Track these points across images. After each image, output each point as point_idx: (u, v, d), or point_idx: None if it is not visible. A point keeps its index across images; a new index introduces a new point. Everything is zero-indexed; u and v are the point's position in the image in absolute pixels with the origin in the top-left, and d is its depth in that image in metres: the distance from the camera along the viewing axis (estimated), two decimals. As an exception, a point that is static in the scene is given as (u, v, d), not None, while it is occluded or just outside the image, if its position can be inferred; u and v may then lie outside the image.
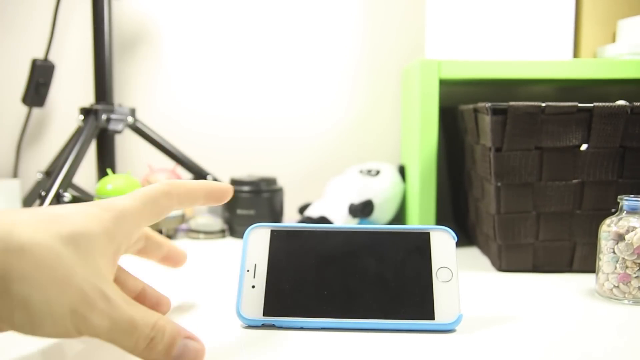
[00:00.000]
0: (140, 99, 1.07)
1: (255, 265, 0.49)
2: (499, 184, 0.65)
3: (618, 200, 0.58)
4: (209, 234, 0.86)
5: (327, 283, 0.48)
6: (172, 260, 0.51)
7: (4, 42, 1.07)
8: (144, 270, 0.67)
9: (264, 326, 0.48)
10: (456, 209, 0.94)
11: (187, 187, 0.44)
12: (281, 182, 1.07)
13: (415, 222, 0.80)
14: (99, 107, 0.88)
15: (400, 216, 0.95)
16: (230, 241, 0.85)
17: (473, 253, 0.78)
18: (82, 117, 0.89)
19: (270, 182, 0.88)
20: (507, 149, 0.64)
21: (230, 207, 0.87)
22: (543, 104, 0.62)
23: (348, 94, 1.05)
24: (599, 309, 0.54)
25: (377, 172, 0.89)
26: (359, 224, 0.86)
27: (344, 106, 1.05)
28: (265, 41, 1.04)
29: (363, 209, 0.83)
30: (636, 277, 0.54)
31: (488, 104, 0.63)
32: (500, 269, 0.68)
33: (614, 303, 0.55)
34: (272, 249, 0.50)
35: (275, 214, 0.88)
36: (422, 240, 0.50)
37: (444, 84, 0.91)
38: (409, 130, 0.87)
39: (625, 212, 0.56)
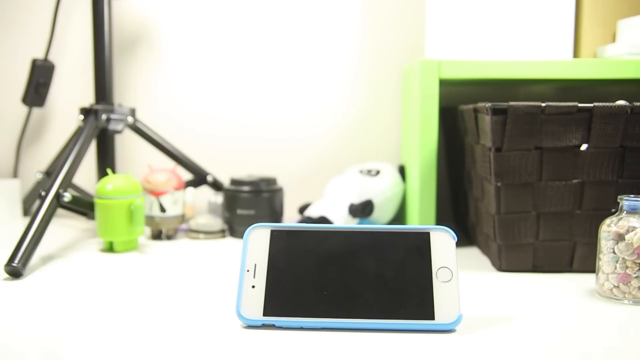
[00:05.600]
0: (140, 99, 1.07)
1: (255, 265, 0.49)
2: (499, 184, 0.65)
3: (618, 200, 0.58)
4: (209, 234, 0.86)
5: (327, 283, 0.48)
6: None
7: (4, 42, 1.07)
8: (145, 270, 0.67)
9: (264, 326, 0.48)
10: (456, 209, 0.94)
11: None
12: (281, 182, 1.07)
13: (415, 222, 0.80)
14: (99, 107, 0.88)
15: (400, 216, 0.95)
16: (230, 241, 0.85)
17: (473, 253, 0.78)
18: (82, 117, 0.89)
19: (270, 182, 0.88)
20: (507, 149, 0.64)
21: (230, 207, 0.87)
22: (543, 104, 0.62)
23: (348, 94, 1.05)
24: (599, 309, 0.54)
25: (377, 172, 0.89)
26: (359, 224, 0.86)
27: (344, 106, 1.05)
28: (266, 41, 1.04)
29: (363, 209, 0.83)
30: (636, 277, 0.54)
31: (488, 104, 0.63)
32: (500, 269, 0.68)
33: (614, 303, 0.55)
34: (272, 249, 0.50)
35: (275, 214, 0.88)
36: (422, 240, 0.50)
37: (444, 84, 0.91)
38: (409, 130, 0.87)
39: (625, 212, 0.56)
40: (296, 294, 0.48)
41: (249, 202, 0.86)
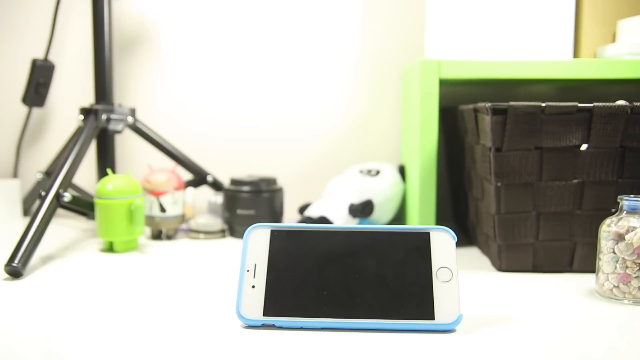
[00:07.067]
0: (140, 99, 1.07)
1: (255, 265, 0.49)
2: (499, 184, 0.65)
3: (618, 200, 0.58)
4: (209, 234, 0.86)
5: (327, 283, 0.48)
6: None
7: (4, 42, 1.07)
8: (145, 270, 0.67)
9: (264, 326, 0.48)
10: (456, 209, 0.94)
11: None
12: (281, 182, 1.07)
13: (415, 222, 0.80)
14: (99, 107, 0.88)
15: (400, 216, 0.95)
16: (230, 241, 0.85)
17: (473, 253, 0.78)
18: (82, 117, 0.89)
19: (270, 182, 0.88)
20: (507, 149, 0.64)
21: (230, 207, 0.87)
22: (543, 104, 0.62)
23: (348, 94, 1.05)
24: (599, 309, 0.54)
25: (377, 172, 0.89)
26: (359, 224, 0.86)
27: (344, 106, 1.05)
28: (266, 41, 1.04)
29: (363, 209, 0.83)
30: (636, 277, 0.54)
31: (488, 104, 0.63)
32: (500, 269, 0.68)
33: (614, 303, 0.55)
34: (272, 249, 0.50)
35: (275, 214, 0.88)
36: (422, 240, 0.50)
37: (444, 84, 0.91)
38: (409, 130, 0.87)
39: (625, 212, 0.56)
40: (296, 294, 0.48)
41: (249, 202, 0.86)
